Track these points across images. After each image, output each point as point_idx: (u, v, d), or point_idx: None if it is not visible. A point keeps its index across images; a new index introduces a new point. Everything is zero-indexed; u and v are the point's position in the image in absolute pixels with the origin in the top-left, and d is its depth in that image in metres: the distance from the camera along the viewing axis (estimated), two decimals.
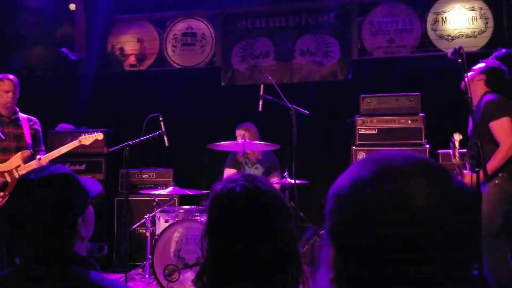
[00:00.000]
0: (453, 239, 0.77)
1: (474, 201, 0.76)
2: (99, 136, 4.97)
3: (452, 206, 0.79)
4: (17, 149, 4.59)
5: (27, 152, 4.60)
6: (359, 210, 0.80)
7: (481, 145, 3.43)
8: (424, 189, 0.78)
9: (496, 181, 3.73)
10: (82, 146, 4.95)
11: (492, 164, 3.67)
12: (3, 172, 4.52)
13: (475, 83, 3.95)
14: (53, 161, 4.71)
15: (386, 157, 0.86)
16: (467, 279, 0.80)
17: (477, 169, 3.40)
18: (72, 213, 1.58)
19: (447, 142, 5.09)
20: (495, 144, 3.74)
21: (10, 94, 4.58)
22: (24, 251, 1.56)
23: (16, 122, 4.67)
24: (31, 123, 4.77)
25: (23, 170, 4.52)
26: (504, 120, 3.76)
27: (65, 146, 4.81)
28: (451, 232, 0.77)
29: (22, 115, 4.73)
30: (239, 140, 4.88)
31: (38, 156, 4.66)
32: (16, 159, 4.55)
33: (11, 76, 4.64)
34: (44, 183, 1.55)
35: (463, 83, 3.78)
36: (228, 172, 5.29)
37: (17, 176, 4.52)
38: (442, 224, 0.77)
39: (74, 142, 4.85)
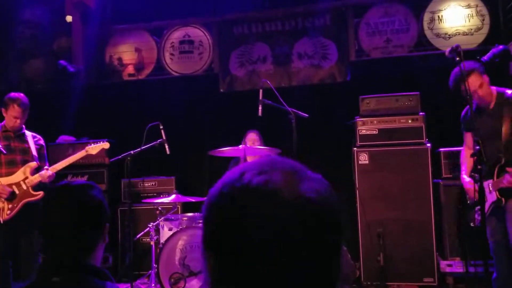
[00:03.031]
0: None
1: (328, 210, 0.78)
2: (105, 145, 5.00)
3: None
4: (23, 162, 4.65)
5: (34, 164, 4.64)
6: (230, 208, 0.80)
7: (482, 142, 3.44)
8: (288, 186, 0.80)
9: None
10: (83, 157, 4.96)
11: None
12: (11, 184, 4.56)
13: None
14: (57, 172, 4.75)
15: (253, 161, 0.88)
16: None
17: (479, 167, 3.40)
18: (103, 219, 1.65)
19: (448, 141, 5.10)
20: None
21: (18, 121, 4.65)
22: (52, 255, 1.58)
23: (22, 137, 4.74)
24: (35, 139, 4.83)
25: (30, 182, 4.57)
26: None
27: (73, 156, 4.84)
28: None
29: (27, 132, 4.79)
30: (249, 144, 4.94)
31: (45, 167, 4.70)
32: (23, 171, 4.60)
33: (21, 102, 4.63)
34: (79, 188, 1.63)
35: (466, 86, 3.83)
36: None
37: (24, 188, 4.56)
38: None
39: (81, 152, 4.89)
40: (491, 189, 3.84)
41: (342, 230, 0.83)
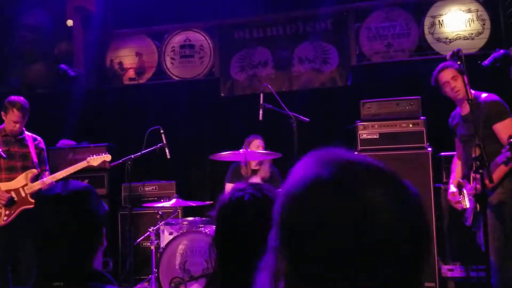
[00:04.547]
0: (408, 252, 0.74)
1: (426, 216, 0.74)
2: (107, 157, 5.00)
3: (409, 220, 0.76)
4: (24, 168, 4.63)
5: (34, 171, 4.63)
6: (317, 212, 0.75)
7: (484, 147, 3.42)
8: (385, 201, 0.75)
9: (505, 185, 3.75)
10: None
11: (502, 169, 3.68)
12: (10, 190, 4.55)
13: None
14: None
15: (347, 159, 0.82)
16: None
17: (481, 171, 3.39)
18: (99, 224, 1.63)
19: (449, 145, 5.09)
20: (499, 144, 3.72)
21: (17, 125, 4.62)
22: (49, 265, 1.56)
23: (22, 141, 4.71)
24: (36, 142, 4.80)
25: (29, 189, 4.56)
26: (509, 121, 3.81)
27: (73, 166, 4.83)
28: (405, 246, 0.74)
29: (27, 134, 4.77)
30: (259, 149, 4.96)
31: (46, 172, 4.69)
32: (22, 178, 4.59)
33: (20, 106, 4.60)
34: (71, 197, 1.60)
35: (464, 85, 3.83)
36: (230, 187, 5.26)
37: (23, 194, 4.55)
38: (398, 235, 0.74)
39: (82, 162, 4.88)
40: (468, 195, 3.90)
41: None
